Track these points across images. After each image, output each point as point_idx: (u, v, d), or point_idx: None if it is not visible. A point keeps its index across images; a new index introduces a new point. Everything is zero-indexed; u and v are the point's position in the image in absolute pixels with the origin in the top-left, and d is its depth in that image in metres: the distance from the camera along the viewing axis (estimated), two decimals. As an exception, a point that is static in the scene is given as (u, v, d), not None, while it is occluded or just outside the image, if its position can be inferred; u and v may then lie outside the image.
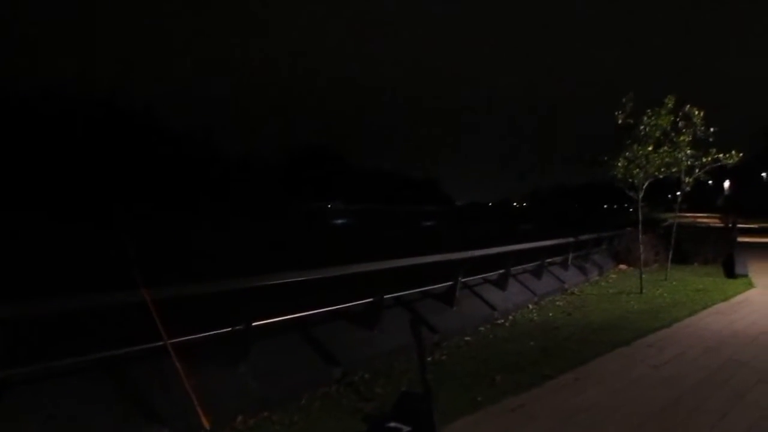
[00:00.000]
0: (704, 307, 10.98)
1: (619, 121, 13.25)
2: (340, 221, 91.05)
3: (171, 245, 32.11)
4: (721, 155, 13.69)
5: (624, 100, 13.23)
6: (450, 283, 9.38)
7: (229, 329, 5.84)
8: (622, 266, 18.93)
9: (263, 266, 7.03)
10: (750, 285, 14.28)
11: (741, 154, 13.69)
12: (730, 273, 16.96)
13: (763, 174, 77.90)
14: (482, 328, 9.21)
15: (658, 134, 13.11)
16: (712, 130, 13.63)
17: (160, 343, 4.72)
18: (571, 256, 15.26)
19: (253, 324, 5.84)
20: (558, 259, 14.99)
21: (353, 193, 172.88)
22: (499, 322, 9.77)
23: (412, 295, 9.01)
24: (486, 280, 11.12)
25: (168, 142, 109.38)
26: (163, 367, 4.93)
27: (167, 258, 21.78)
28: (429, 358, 7.31)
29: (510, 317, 10.19)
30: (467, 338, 8.50)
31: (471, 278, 10.62)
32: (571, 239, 15.01)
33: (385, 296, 7.84)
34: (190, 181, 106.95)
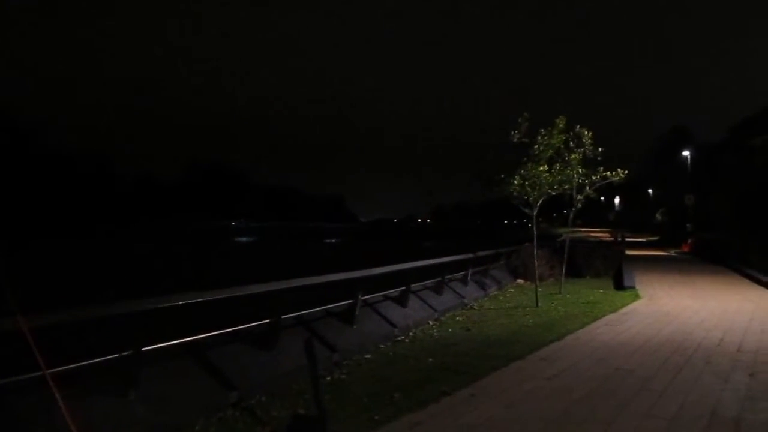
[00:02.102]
0: (595, 319, 11.46)
1: (515, 140, 13.73)
2: (244, 239, 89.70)
3: (55, 270, 30.44)
4: (608, 173, 14.42)
5: (519, 120, 13.71)
6: (350, 301, 9.36)
7: (117, 355, 5.57)
8: (520, 281, 19.54)
9: (157, 289, 6.79)
10: (637, 296, 15.06)
11: (626, 172, 14.49)
12: (619, 285, 17.83)
13: (650, 190, 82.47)
14: (383, 346, 9.23)
15: (550, 153, 13.68)
16: (600, 149, 14.35)
17: (38, 374, 4.43)
18: (470, 271, 15.61)
19: (143, 349, 5.61)
20: (458, 275, 15.29)
21: (257, 211, 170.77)
22: (399, 339, 9.83)
23: (313, 314, 8.91)
24: (387, 298, 11.17)
25: (59, 161, 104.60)
26: (41, 399, 4.63)
27: (51, 283, 20.68)
28: (328, 378, 7.26)
29: (411, 334, 10.28)
30: (367, 356, 8.50)
31: (372, 296, 10.65)
32: (470, 255, 15.36)
33: (284, 316, 7.74)
34: (82, 202, 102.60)
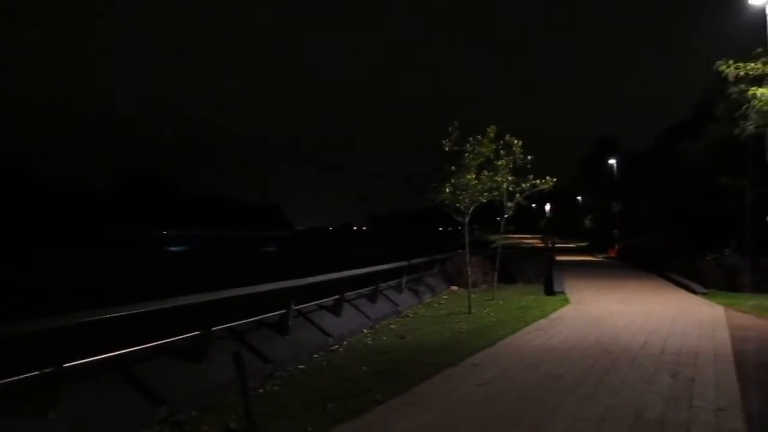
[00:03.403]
0: (526, 325, 11.67)
1: (446, 149, 13.89)
2: (176, 248, 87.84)
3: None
4: (538, 181, 14.75)
5: (450, 129, 13.88)
6: (283, 311, 9.26)
7: (37, 372, 5.34)
8: (454, 288, 19.71)
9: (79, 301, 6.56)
10: (566, 301, 15.43)
11: (554, 180, 14.86)
12: (550, 290, 18.24)
13: (579, 197, 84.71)
14: (317, 356, 9.16)
15: (480, 161, 13.90)
16: (530, 158, 14.66)
17: None
18: (405, 279, 15.68)
19: (65, 365, 5.40)
20: (393, 282, 15.33)
21: (191, 219, 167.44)
22: (333, 348, 9.78)
23: (245, 325, 8.77)
24: (321, 307, 11.10)
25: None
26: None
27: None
28: (261, 390, 7.15)
29: (345, 343, 10.24)
30: (301, 367, 8.42)
31: (305, 305, 10.57)
32: (404, 263, 15.44)
33: (215, 327, 7.59)
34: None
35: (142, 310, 6.23)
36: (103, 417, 5.58)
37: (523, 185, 14.85)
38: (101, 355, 6.27)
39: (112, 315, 5.77)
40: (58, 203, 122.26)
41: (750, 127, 17.40)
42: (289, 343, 8.98)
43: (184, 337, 7.43)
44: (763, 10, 15.70)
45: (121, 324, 5.97)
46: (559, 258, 35.87)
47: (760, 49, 16.80)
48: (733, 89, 17.83)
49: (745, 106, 17.58)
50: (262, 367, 7.93)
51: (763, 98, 16.60)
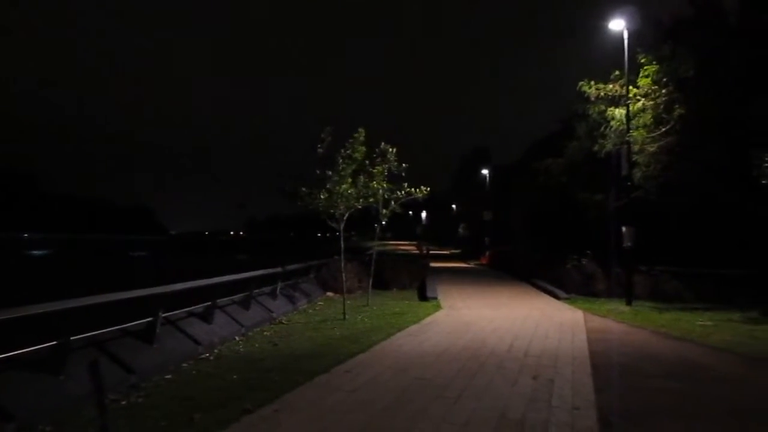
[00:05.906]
0: (399, 330, 11.85)
1: (320, 154, 13.85)
2: (38, 252, 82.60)
3: None
4: (412, 189, 15.04)
5: (323, 134, 13.85)
6: (150, 319, 8.88)
7: None
8: (330, 294, 19.73)
9: None
10: (439, 307, 15.84)
11: (428, 189, 15.23)
12: (423, 296, 18.67)
13: (453, 206, 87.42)
14: (185, 365, 8.87)
15: (354, 167, 13.98)
16: (404, 165, 14.92)
17: None
18: (280, 285, 15.53)
19: None
20: (267, 289, 15.13)
21: (57, 222, 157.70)
22: (203, 356, 9.51)
23: (108, 334, 8.34)
24: (191, 314, 10.75)
25: None
26: None
27: None
28: (123, 402, 6.82)
29: (216, 351, 9.98)
30: (168, 376, 8.12)
31: (174, 312, 10.22)
32: (279, 269, 15.28)
33: (73, 337, 7.16)
34: None
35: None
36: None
37: (399, 193, 15.08)
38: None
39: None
40: None
41: (608, 145, 18.72)
42: (155, 352, 8.64)
43: (39, 348, 6.97)
44: (622, 35, 16.89)
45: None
46: (433, 264, 36.75)
47: (618, 72, 18.12)
48: (594, 109, 19.11)
49: (604, 125, 18.88)
50: (125, 378, 7.58)
51: (619, 118, 17.92)
